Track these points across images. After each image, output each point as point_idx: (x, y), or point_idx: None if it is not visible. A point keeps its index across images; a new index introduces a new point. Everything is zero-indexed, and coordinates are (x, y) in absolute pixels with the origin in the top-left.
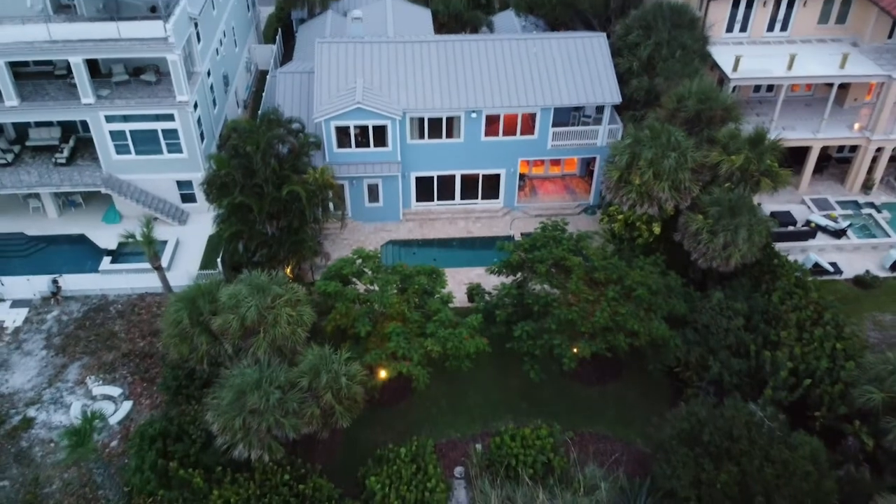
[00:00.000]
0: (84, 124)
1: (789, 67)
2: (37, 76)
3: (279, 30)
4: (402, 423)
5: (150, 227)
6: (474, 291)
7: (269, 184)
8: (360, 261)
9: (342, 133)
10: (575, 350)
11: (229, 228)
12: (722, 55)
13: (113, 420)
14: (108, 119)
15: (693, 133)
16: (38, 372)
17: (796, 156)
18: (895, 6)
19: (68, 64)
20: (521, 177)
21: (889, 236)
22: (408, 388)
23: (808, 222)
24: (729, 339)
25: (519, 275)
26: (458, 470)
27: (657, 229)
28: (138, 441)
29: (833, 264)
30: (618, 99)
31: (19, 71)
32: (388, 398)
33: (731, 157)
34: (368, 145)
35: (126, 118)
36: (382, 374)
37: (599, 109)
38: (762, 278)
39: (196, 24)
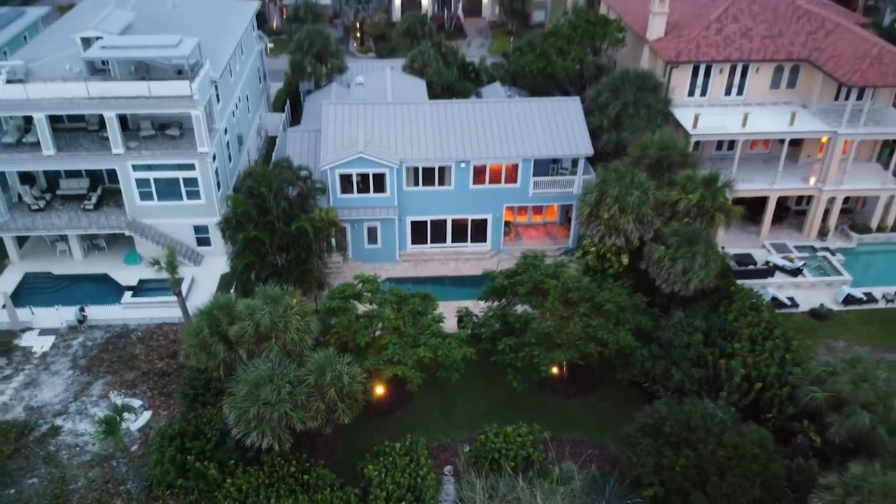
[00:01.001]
0: (110, 176)
1: (744, 124)
2: (71, 131)
3: (287, 101)
4: (397, 429)
5: (173, 254)
6: (463, 315)
7: (280, 220)
8: (360, 284)
9: (345, 180)
10: (552, 357)
11: (243, 260)
12: (684, 115)
13: (134, 427)
14: (135, 168)
15: (655, 176)
16: (65, 388)
17: (757, 206)
18: (841, 73)
19: (100, 120)
20: (507, 224)
21: (842, 275)
22: (403, 399)
23: (766, 262)
24: (690, 352)
25: (503, 300)
26: (448, 468)
27: (625, 260)
28: (159, 439)
29: (790, 298)
30: (590, 152)
31: (55, 126)
32: (384, 409)
33: (689, 196)
34: (369, 191)
35: (151, 167)
36: (379, 389)
37: (574, 162)
38: (720, 302)
39: (216, 87)
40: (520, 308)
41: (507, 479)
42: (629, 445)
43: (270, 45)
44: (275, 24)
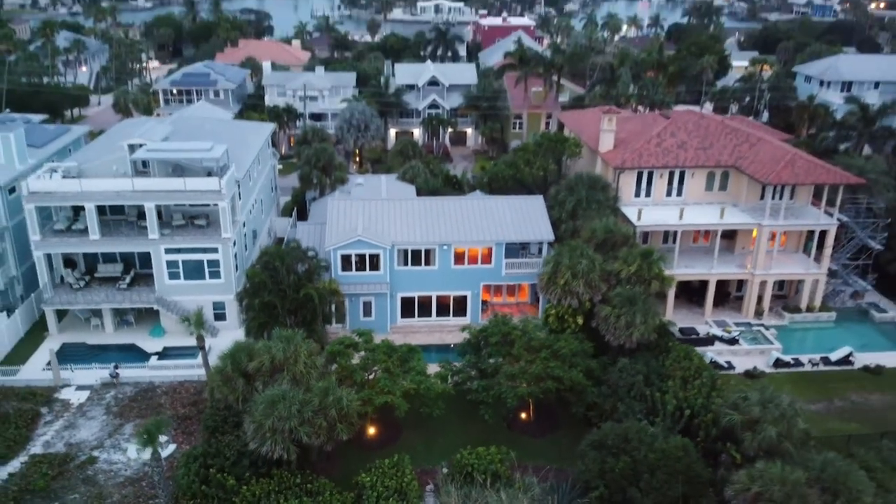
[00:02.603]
0: (141, 261)
1: (680, 217)
2: (113, 221)
3: (294, 208)
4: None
5: (201, 313)
6: (444, 364)
7: (290, 288)
8: (357, 337)
9: (346, 259)
10: (517, 392)
11: (258, 321)
12: (630, 211)
13: (161, 454)
14: (167, 251)
15: (602, 253)
16: (100, 429)
17: (703, 291)
18: (760, 174)
19: (137, 212)
20: (484, 303)
21: (773, 343)
22: (392, 436)
23: (707, 334)
24: (633, 391)
25: (478, 353)
26: (429, 487)
27: (580, 320)
28: (185, 458)
29: (728, 362)
30: (551, 238)
31: (100, 217)
32: (375, 444)
33: (629, 266)
34: (365, 269)
35: (180, 250)
36: (371, 430)
37: (539, 248)
38: (659, 353)
39: (239, 185)
40: (492, 360)
41: (478, 488)
42: (580, 458)
43: (280, 166)
44: (283, 150)
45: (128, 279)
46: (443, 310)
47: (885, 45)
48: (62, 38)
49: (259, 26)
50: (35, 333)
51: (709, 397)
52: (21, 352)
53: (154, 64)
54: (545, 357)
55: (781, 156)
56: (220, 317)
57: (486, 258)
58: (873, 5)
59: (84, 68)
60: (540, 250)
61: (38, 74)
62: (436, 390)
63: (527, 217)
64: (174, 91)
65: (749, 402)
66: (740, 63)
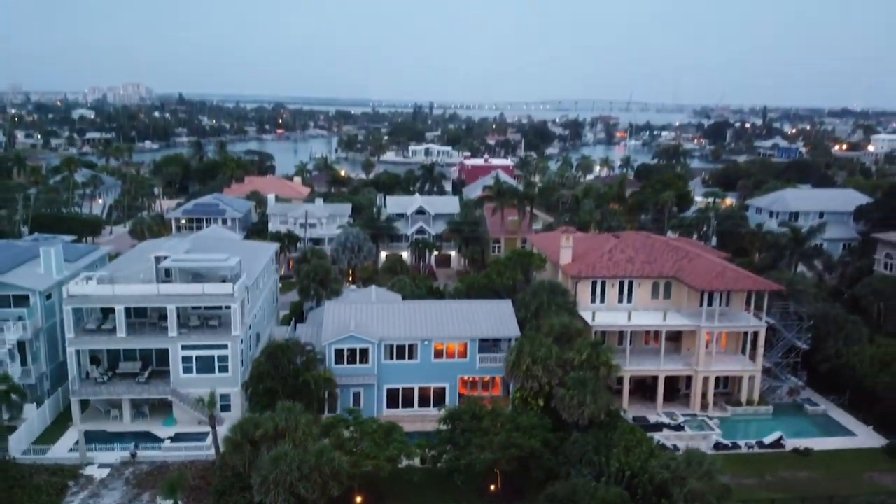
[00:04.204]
0: (158, 359)
1: (629, 319)
2: (136, 323)
3: (293, 318)
4: None
5: (214, 394)
6: (422, 441)
7: (290, 376)
8: (349, 415)
9: (339, 353)
10: (483, 459)
11: (261, 404)
12: (587, 314)
13: None
14: (184, 347)
15: (559, 345)
16: (121, 497)
17: (654, 387)
18: (696, 283)
19: (158, 315)
20: (461, 396)
21: (714, 430)
22: None
23: (656, 422)
24: (584, 458)
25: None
26: None
27: (541, 402)
28: None
29: (674, 445)
30: (518, 334)
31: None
32: None
33: (581, 355)
34: (356, 362)
35: (195, 347)
36: (358, 499)
37: (509, 346)
38: (608, 429)
39: (248, 292)
40: (464, 434)
41: None
42: None
43: (280, 285)
44: (283, 271)
45: (146, 374)
46: (424, 401)
47: (839, 181)
48: (80, 175)
49: (262, 165)
50: (59, 423)
51: (647, 461)
52: (48, 438)
53: (165, 202)
54: (509, 429)
55: (714, 268)
56: (225, 408)
57: (463, 353)
58: (836, 147)
59: (99, 200)
60: (509, 347)
61: (57, 205)
62: (413, 453)
63: (497, 317)
64: (184, 220)
65: (677, 461)
66: (702, 199)
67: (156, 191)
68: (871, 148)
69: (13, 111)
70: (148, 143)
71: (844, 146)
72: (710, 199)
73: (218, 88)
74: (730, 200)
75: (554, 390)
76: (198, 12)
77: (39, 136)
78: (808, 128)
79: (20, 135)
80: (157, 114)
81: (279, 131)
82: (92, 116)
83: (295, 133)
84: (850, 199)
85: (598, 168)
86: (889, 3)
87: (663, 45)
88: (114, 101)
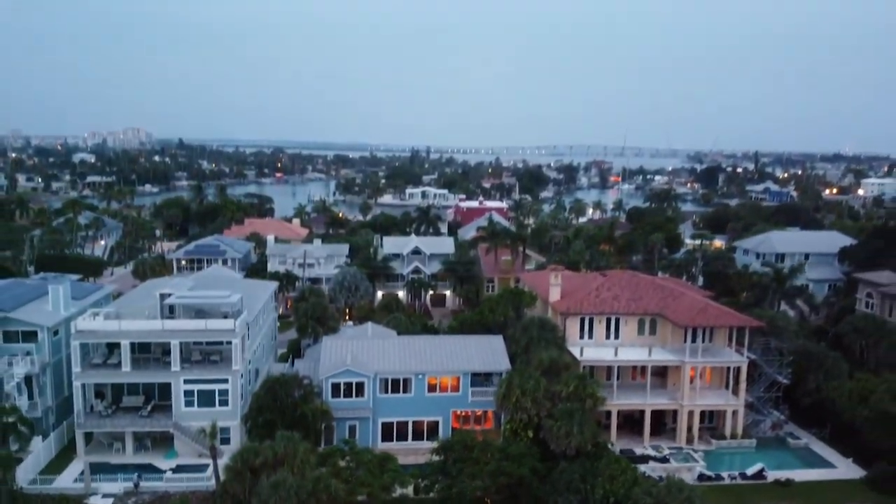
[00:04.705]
0: (160, 393)
1: (615, 354)
2: (141, 359)
3: (291, 355)
4: None
5: (215, 425)
6: (413, 472)
7: (288, 408)
8: (345, 445)
9: (335, 387)
10: (474, 486)
11: (260, 435)
12: (575, 349)
13: None
14: (186, 381)
15: (548, 378)
16: None
17: (642, 422)
18: (680, 319)
19: (161, 350)
20: (454, 430)
21: (698, 462)
22: None
23: (643, 454)
24: (570, 486)
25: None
26: None
27: (531, 434)
28: None
29: (659, 476)
30: (508, 368)
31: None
32: None
33: (567, 387)
34: (352, 396)
35: (197, 381)
36: None
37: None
38: (594, 459)
39: (248, 328)
40: (455, 465)
41: None
42: None
43: (278, 324)
44: (281, 310)
45: (148, 408)
46: (418, 435)
47: (827, 224)
48: (82, 217)
49: (261, 208)
50: (64, 455)
51: (630, 489)
52: (53, 469)
53: (165, 244)
54: (499, 458)
55: (697, 305)
56: (225, 441)
57: (455, 387)
58: (827, 191)
59: (101, 242)
60: (500, 380)
61: (60, 247)
62: (406, 480)
63: (489, 352)
64: (185, 261)
65: (659, 488)
66: (692, 241)
67: (157, 233)
68: (860, 192)
69: (14, 155)
70: (148, 187)
71: (835, 190)
72: (698, 241)
73: (217, 133)
74: (719, 243)
75: (542, 421)
76: (197, 58)
77: (40, 180)
78: (800, 172)
79: (21, 178)
80: (157, 158)
81: (278, 175)
82: (92, 160)
83: (294, 177)
84: (834, 241)
85: (590, 211)
86: (882, 51)
87: (658, 92)
88: (114, 146)
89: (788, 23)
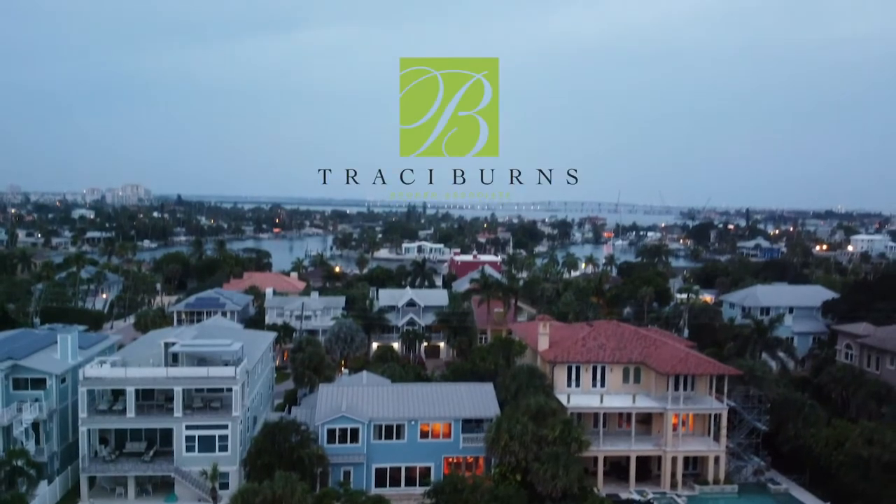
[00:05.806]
0: (161, 440)
1: (601, 401)
2: (144, 406)
3: (287, 403)
4: None
5: (216, 467)
6: None
7: (286, 452)
8: (339, 487)
9: (331, 433)
10: None
11: (259, 477)
12: (563, 396)
13: None
14: (187, 427)
15: (535, 423)
16: None
17: (627, 469)
18: (662, 367)
19: (164, 397)
20: (445, 476)
21: None
22: None
23: (627, 499)
24: None
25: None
26: None
27: (519, 478)
28: None
29: None
30: (498, 413)
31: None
32: None
33: (554, 431)
34: (346, 441)
35: (198, 427)
36: None
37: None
38: (579, 500)
39: (248, 375)
40: None
41: None
42: None
43: (275, 374)
44: (278, 362)
45: (151, 453)
46: (410, 481)
47: (813, 279)
48: (84, 271)
49: (259, 263)
50: (68, 500)
51: None
52: None
53: (165, 298)
54: (488, 499)
55: (678, 354)
56: (224, 486)
57: (447, 433)
58: (817, 248)
59: (103, 296)
60: (490, 426)
61: (62, 300)
62: None
63: (479, 398)
64: (185, 314)
65: None
66: (681, 295)
67: (157, 286)
68: (850, 248)
69: (13, 210)
70: (147, 243)
71: (825, 246)
72: (686, 295)
73: (215, 189)
74: (708, 297)
75: (530, 465)
76: (198, 114)
77: (40, 235)
78: (791, 229)
79: (21, 234)
80: (155, 214)
81: (276, 230)
82: (91, 216)
83: (291, 232)
84: (819, 295)
85: (582, 265)
86: (874, 110)
87: (652, 149)
88: (112, 202)
89: (782, 78)
